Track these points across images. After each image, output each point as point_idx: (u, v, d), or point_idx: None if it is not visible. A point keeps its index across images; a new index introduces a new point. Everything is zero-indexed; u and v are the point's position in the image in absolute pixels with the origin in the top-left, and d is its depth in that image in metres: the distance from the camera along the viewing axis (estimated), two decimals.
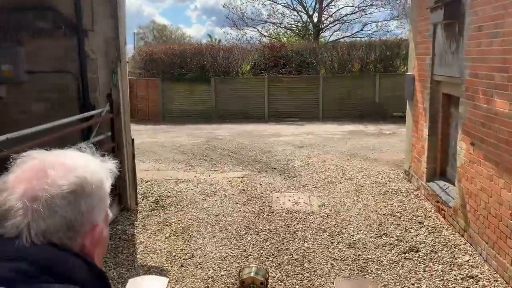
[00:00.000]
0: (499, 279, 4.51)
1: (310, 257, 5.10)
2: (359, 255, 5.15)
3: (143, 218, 6.37)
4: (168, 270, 4.94)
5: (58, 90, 6.33)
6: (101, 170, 0.99)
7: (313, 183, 8.01)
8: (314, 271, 4.81)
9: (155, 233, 5.85)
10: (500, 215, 4.54)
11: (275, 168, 9.08)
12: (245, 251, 5.30)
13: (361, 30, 26.25)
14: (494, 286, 4.45)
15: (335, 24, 26.32)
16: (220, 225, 6.09)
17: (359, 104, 17.46)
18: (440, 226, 5.92)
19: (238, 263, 5.00)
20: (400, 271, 4.75)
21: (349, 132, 14.13)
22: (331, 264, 4.96)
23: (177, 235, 5.79)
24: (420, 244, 5.35)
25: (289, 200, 7.05)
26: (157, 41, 40.73)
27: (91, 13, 6.19)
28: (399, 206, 6.70)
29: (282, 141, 12.41)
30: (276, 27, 27.16)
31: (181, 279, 4.72)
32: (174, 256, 5.21)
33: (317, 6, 25.62)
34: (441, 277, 4.60)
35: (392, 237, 5.58)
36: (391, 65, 18.40)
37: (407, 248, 5.25)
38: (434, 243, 5.39)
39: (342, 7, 26.12)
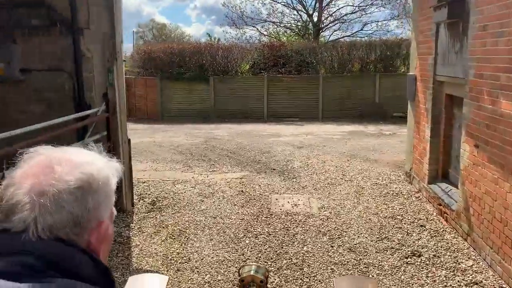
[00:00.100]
0: (504, 286, 4.39)
1: (309, 262, 4.98)
2: (360, 259, 5.02)
3: (139, 220, 6.24)
4: (164, 275, 4.83)
5: (53, 89, 6.20)
6: (107, 167, 0.99)
7: (312, 184, 7.88)
8: (314, 276, 4.69)
9: (151, 235, 5.72)
10: (505, 220, 4.42)
11: (274, 169, 8.95)
12: (243, 254, 5.17)
13: (361, 29, 26.14)
14: None
15: (335, 24, 26.20)
16: (218, 227, 5.96)
17: (359, 104, 17.34)
18: (442, 229, 5.79)
19: (236, 267, 4.86)
20: (402, 277, 4.62)
21: (349, 132, 14.00)
22: (331, 269, 4.83)
23: (173, 237, 5.66)
24: (422, 248, 5.23)
25: (288, 202, 6.92)
26: (157, 40, 40.62)
27: (87, 10, 6.06)
28: (400, 208, 6.58)
29: (282, 141, 12.29)
30: (275, 26, 27.05)
31: (177, 284, 4.59)
32: (170, 259, 5.08)
33: (317, 5, 25.48)
34: (445, 283, 4.47)
35: (394, 241, 5.45)
36: (391, 65, 18.28)
37: (409, 252, 5.12)
38: (437, 247, 5.27)
39: (342, 7, 26.14)
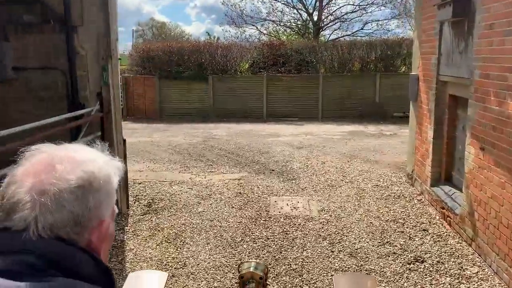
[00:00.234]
0: None
1: (309, 267, 4.81)
2: (361, 265, 4.86)
3: (134, 222, 6.08)
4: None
5: (46, 88, 6.03)
6: (109, 166, 0.98)
7: (312, 186, 7.72)
8: (313, 283, 4.52)
9: (146, 239, 5.56)
10: None
11: (273, 170, 8.79)
12: (240, 260, 4.99)
13: (362, 29, 25.98)
14: None
15: (335, 23, 26.00)
16: (215, 231, 5.79)
17: (359, 104, 17.16)
18: (445, 234, 5.63)
19: (233, 273, 4.70)
20: (405, 284, 4.46)
21: (349, 132, 13.84)
22: (332, 275, 4.66)
23: (169, 241, 5.49)
24: (425, 253, 5.07)
25: (287, 204, 6.76)
26: (156, 39, 40.38)
27: (81, 7, 5.88)
28: (402, 211, 6.42)
29: (281, 141, 12.12)
30: (275, 25, 26.87)
31: None
32: (165, 265, 4.92)
33: (317, 4, 25.31)
34: None
35: (396, 246, 5.29)
36: (392, 65, 18.09)
37: (412, 258, 4.96)
38: (440, 252, 5.11)
39: (343, 6, 25.97)
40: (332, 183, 7.83)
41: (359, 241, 5.46)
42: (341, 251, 5.20)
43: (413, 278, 4.56)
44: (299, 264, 4.89)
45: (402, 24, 26.55)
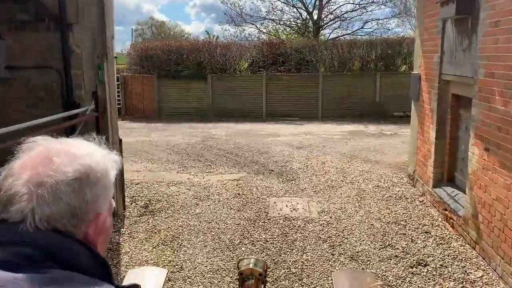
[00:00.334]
0: None
1: (309, 271, 4.69)
2: (363, 269, 4.74)
3: (131, 224, 5.95)
4: (163, 268, 4.62)
5: (41, 87, 5.90)
6: (106, 159, 0.99)
7: (312, 186, 7.60)
8: (313, 287, 4.40)
9: (142, 241, 5.43)
10: None
11: (272, 170, 8.66)
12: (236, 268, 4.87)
13: (362, 28, 25.85)
14: None
15: (335, 22, 25.86)
16: (213, 233, 5.67)
17: (359, 104, 17.03)
18: (448, 236, 5.51)
19: (231, 277, 4.59)
20: None
21: (349, 132, 13.71)
22: (332, 279, 4.54)
23: (165, 244, 5.37)
24: (428, 257, 4.94)
25: (286, 205, 6.63)
26: (156, 38, 40.19)
27: (76, 4, 5.75)
28: (403, 213, 6.30)
29: (280, 141, 11.99)
30: (275, 24, 26.72)
31: None
32: (162, 268, 4.79)
33: (317, 3, 25.17)
34: None
35: (398, 249, 5.17)
36: (392, 64, 17.95)
37: (415, 261, 4.84)
38: (443, 255, 4.99)
39: (343, 4, 25.58)
40: (332, 184, 7.71)
41: (360, 243, 5.34)
42: (342, 254, 5.08)
43: (416, 282, 4.44)
44: (299, 267, 4.77)
45: (402, 23, 26.45)
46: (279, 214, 6.29)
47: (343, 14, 25.43)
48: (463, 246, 5.21)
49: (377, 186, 7.57)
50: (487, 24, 4.78)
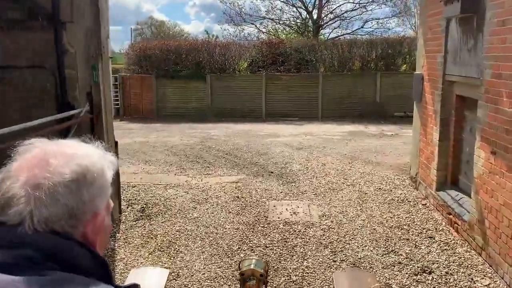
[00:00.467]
0: None
1: (310, 279, 4.53)
2: None
3: (126, 229, 5.79)
4: (165, 269, 4.54)
5: (34, 87, 5.73)
6: (102, 160, 0.99)
7: (312, 189, 7.44)
8: None
9: (138, 247, 5.27)
10: None
11: (272, 172, 8.51)
12: (237, 270, 4.72)
13: (362, 27, 25.68)
14: None
15: (335, 21, 25.68)
16: (211, 238, 5.51)
17: (359, 104, 16.88)
18: (453, 241, 5.35)
19: (229, 285, 4.43)
20: None
21: (349, 132, 13.55)
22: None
23: (162, 250, 5.21)
24: (432, 264, 4.79)
25: (286, 209, 6.48)
26: (155, 37, 40.00)
27: (70, 3, 5.58)
28: (406, 217, 6.14)
29: (280, 142, 11.83)
30: (274, 24, 26.54)
31: None
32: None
33: (317, 2, 24.99)
34: None
35: (401, 255, 5.01)
36: (392, 63, 17.80)
37: (419, 268, 4.68)
38: (449, 262, 4.83)
39: (343, 4, 25.41)
40: (333, 186, 7.55)
41: (363, 249, 5.18)
42: (344, 260, 4.92)
43: None
44: (299, 275, 4.61)
45: (402, 22, 26.29)
46: (279, 218, 6.14)
47: (343, 13, 25.27)
48: (469, 252, 5.06)
49: (379, 188, 7.41)
50: (494, 23, 4.62)
